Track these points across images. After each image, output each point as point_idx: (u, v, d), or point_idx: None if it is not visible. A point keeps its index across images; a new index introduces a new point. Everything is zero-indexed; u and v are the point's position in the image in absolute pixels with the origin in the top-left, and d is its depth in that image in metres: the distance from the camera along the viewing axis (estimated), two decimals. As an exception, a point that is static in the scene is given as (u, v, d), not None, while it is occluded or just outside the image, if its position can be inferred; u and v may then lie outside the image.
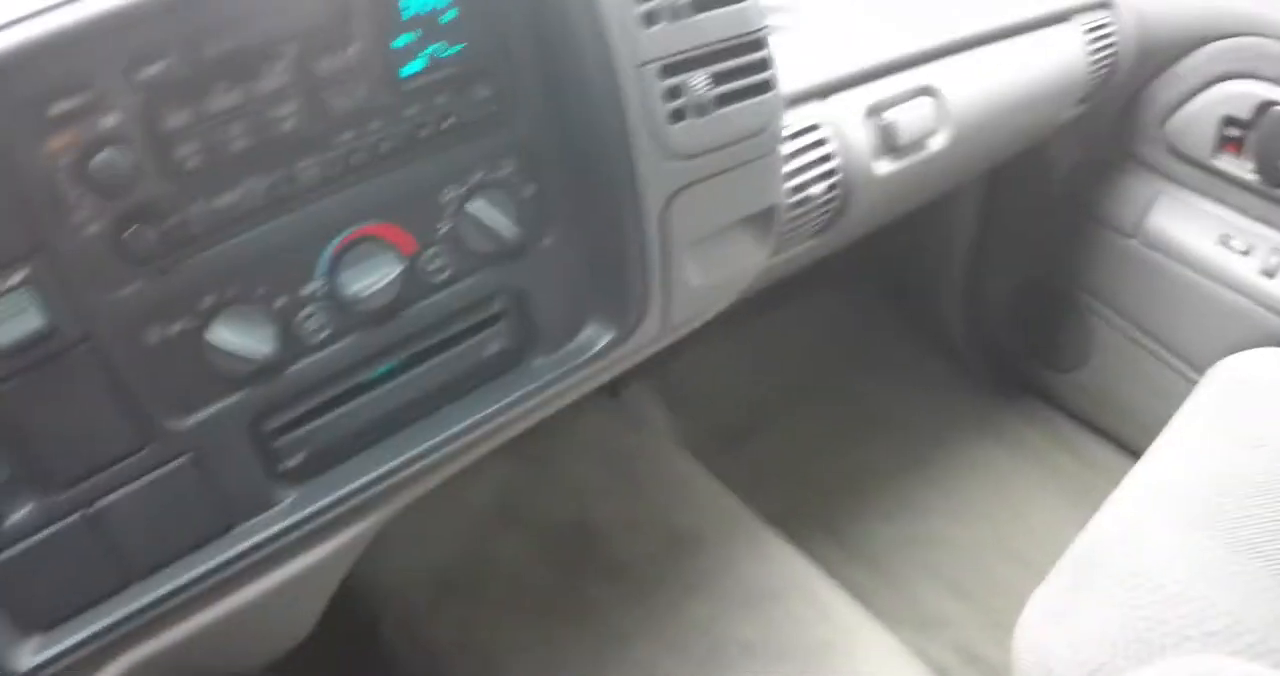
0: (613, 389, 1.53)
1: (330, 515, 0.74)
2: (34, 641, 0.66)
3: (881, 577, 1.46)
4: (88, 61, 0.57)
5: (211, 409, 0.68)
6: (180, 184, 0.62)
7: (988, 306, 1.80)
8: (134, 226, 0.61)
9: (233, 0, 0.60)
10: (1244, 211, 1.43)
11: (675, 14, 0.72)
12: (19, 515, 0.63)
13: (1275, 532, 1.02)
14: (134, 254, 0.61)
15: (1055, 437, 1.70)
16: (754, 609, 1.21)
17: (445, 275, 0.73)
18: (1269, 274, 1.40)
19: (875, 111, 1.13)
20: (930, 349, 1.83)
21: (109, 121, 0.59)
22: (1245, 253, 1.42)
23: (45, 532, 0.64)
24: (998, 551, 1.51)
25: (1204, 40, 1.41)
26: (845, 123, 1.10)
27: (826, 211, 1.09)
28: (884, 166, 1.13)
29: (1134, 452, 1.60)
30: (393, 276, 0.69)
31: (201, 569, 0.70)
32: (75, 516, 0.65)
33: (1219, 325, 1.44)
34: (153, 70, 0.59)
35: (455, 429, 0.76)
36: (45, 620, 0.66)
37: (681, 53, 0.73)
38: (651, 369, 1.60)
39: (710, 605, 1.22)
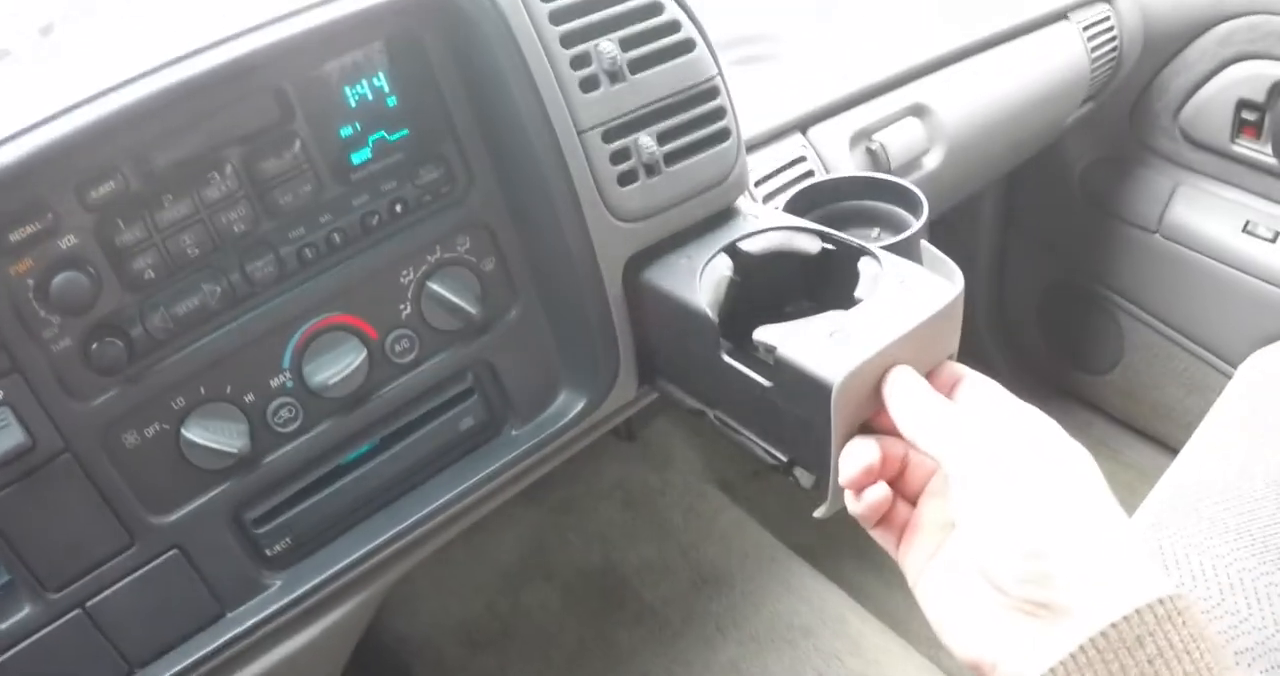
0: (628, 433, 1.55)
1: (321, 595, 0.78)
2: None
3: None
4: (40, 189, 0.61)
5: (193, 504, 0.72)
6: (140, 295, 0.66)
7: (1015, 310, 1.81)
8: (100, 340, 0.65)
9: (174, 113, 0.63)
10: (1266, 196, 1.44)
11: (615, 77, 0.75)
12: (19, 616, 0.68)
13: (1304, 542, 1.03)
14: (103, 366, 0.66)
15: (1093, 441, 1.69)
16: (784, 646, 1.23)
17: (412, 356, 0.77)
18: (1297, 260, 1.40)
19: (862, 136, 1.16)
20: (960, 357, 1.83)
21: (65, 243, 0.63)
22: (1272, 239, 1.42)
23: (46, 630, 0.69)
24: (1038, 567, 1.50)
25: (1211, 23, 1.42)
26: (830, 152, 1.12)
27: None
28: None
29: (1174, 450, 1.60)
30: (357, 363, 0.73)
31: (199, 654, 0.74)
32: (74, 613, 0.70)
33: (1249, 317, 1.45)
34: (103, 189, 0.63)
35: (437, 503, 0.80)
36: None
37: (624, 115, 0.76)
38: (673, 404, 1.63)
39: (739, 645, 1.25)
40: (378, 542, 0.78)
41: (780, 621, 1.26)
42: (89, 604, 0.70)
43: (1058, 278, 1.71)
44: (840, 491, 0.64)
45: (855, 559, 1.51)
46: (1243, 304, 1.45)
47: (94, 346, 0.65)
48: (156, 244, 0.66)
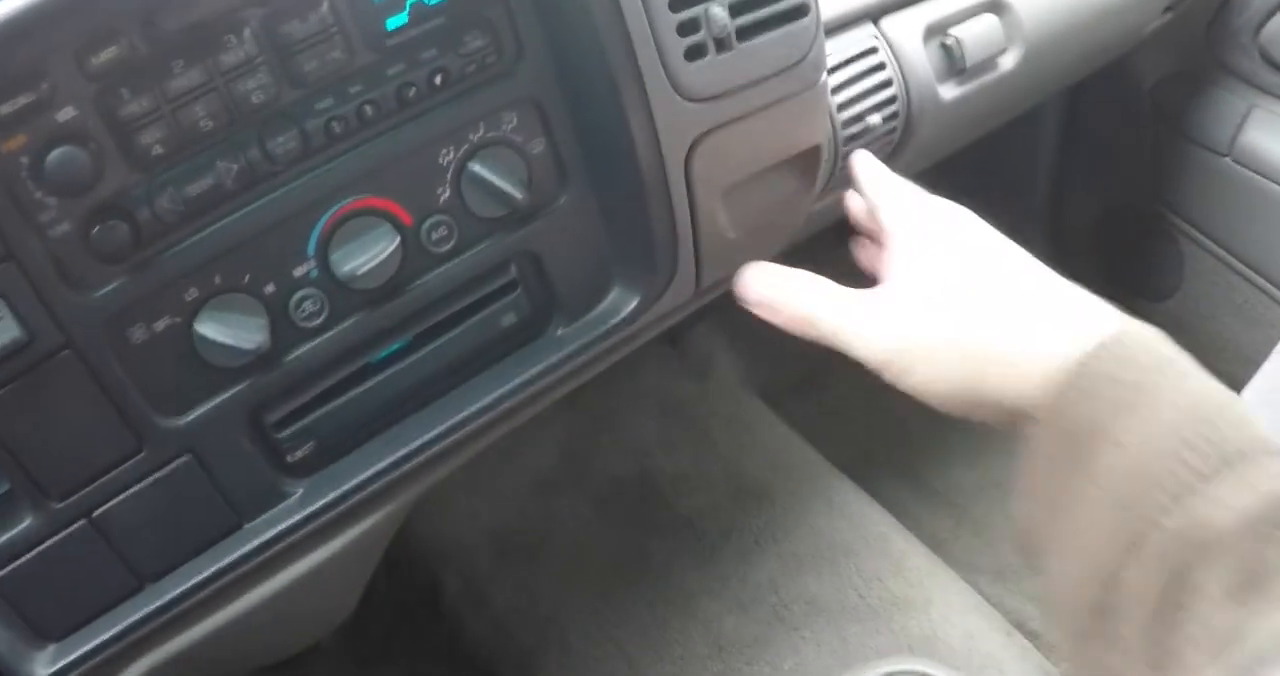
0: (671, 337, 1.47)
1: (345, 505, 0.70)
2: (49, 651, 0.64)
3: (962, 524, 1.40)
4: (34, 54, 0.52)
5: (208, 405, 0.64)
6: (147, 174, 0.57)
7: (1072, 233, 1.71)
8: (102, 223, 0.56)
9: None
10: (1347, 126, 1.32)
11: (686, -65, 0.65)
12: (21, 527, 0.61)
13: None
14: (106, 252, 0.57)
15: (1147, 369, 1.60)
16: (824, 564, 1.16)
17: (450, 245, 0.67)
18: (1375, 192, 1.29)
19: (936, 31, 1.05)
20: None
21: (63, 116, 0.54)
22: (1349, 170, 1.31)
23: (50, 542, 0.62)
24: (1086, 493, 1.43)
25: (1302, -69, 1.29)
26: (903, 45, 1.01)
27: (888, 142, 1.01)
28: (949, 91, 1.05)
29: (1230, 386, 1.51)
30: (389, 251, 0.64)
31: (214, 568, 0.67)
32: (79, 524, 0.63)
33: (1320, 251, 1.34)
34: (105, 55, 0.54)
35: (473, 408, 0.71)
36: (59, 629, 0.65)
37: (695, -21, 0.66)
38: (714, 310, 1.55)
39: (778, 561, 1.18)
40: (408, 449, 0.70)
41: (821, 539, 1.18)
42: (95, 513, 0.63)
43: (1120, 199, 1.60)
44: None
45: (897, 478, 1.42)
46: (1315, 237, 1.34)
47: (96, 230, 0.56)
48: (165, 116, 0.56)
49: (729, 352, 1.50)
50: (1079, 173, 1.65)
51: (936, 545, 1.23)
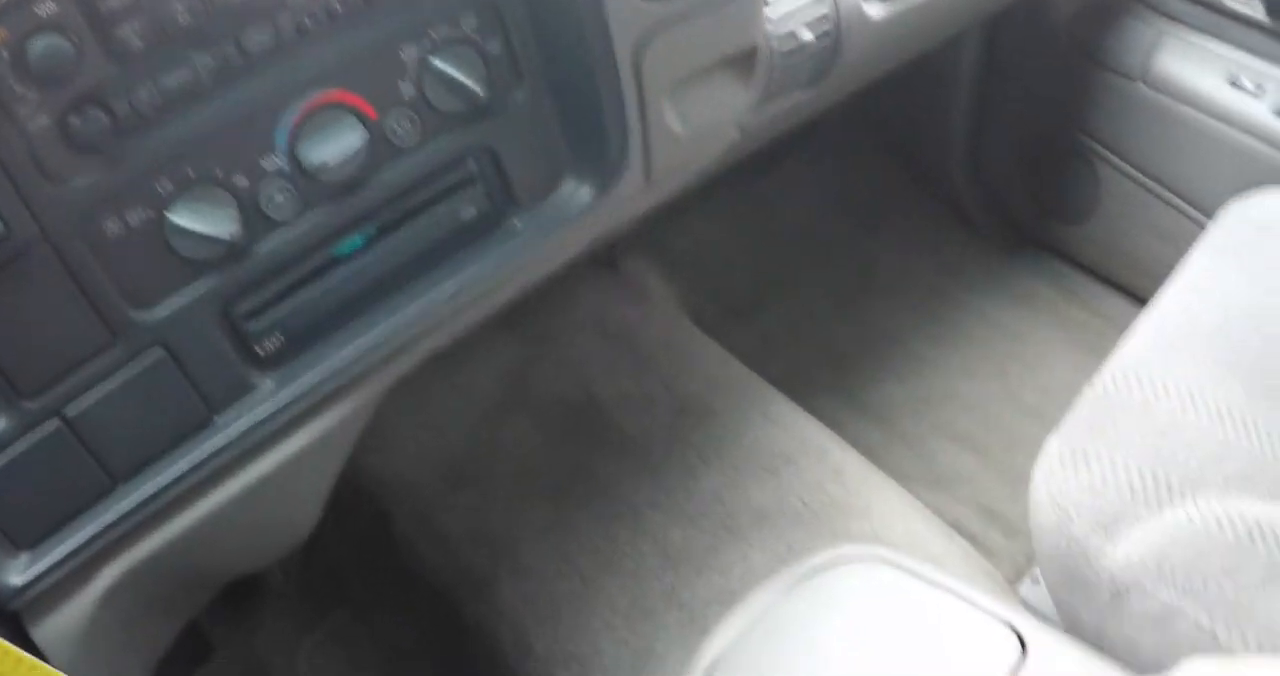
0: (610, 261, 1.50)
1: (314, 397, 0.72)
2: (22, 559, 0.65)
3: (895, 437, 1.45)
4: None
5: (180, 297, 0.66)
6: (125, 66, 0.59)
7: (993, 160, 1.76)
8: (83, 114, 0.58)
9: None
10: (1253, 51, 1.38)
11: None
12: (-7, 428, 0.62)
13: (1293, 376, 1.01)
14: (83, 143, 0.59)
15: (1065, 290, 1.67)
16: (766, 474, 1.21)
17: (413, 139, 0.70)
18: (1280, 113, 1.35)
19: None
20: (936, 207, 1.79)
21: (46, 8, 0.55)
22: (1255, 93, 1.37)
23: (21, 444, 0.63)
24: (1011, 406, 1.50)
25: None
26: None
27: (821, 60, 1.05)
28: (876, 10, 1.09)
29: (1145, 302, 1.58)
30: (357, 144, 0.67)
31: (186, 464, 0.68)
32: (50, 422, 0.63)
33: (1228, 168, 1.40)
34: (88, -51, 0.55)
35: (436, 297, 0.74)
36: (32, 535, 0.65)
37: (647, -116, 0.69)
38: (651, 240, 1.58)
39: (722, 474, 1.22)
40: (374, 340, 0.73)
41: (761, 449, 1.23)
42: (66, 410, 0.64)
43: (1038, 126, 1.66)
44: None
45: (829, 394, 1.48)
46: (1221, 155, 1.41)
47: (76, 121, 0.58)
48: (145, 10, 0.58)
49: (667, 280, 1.54)
50: (999, 102, 1.71)
51: (871, 457, 1.28)
